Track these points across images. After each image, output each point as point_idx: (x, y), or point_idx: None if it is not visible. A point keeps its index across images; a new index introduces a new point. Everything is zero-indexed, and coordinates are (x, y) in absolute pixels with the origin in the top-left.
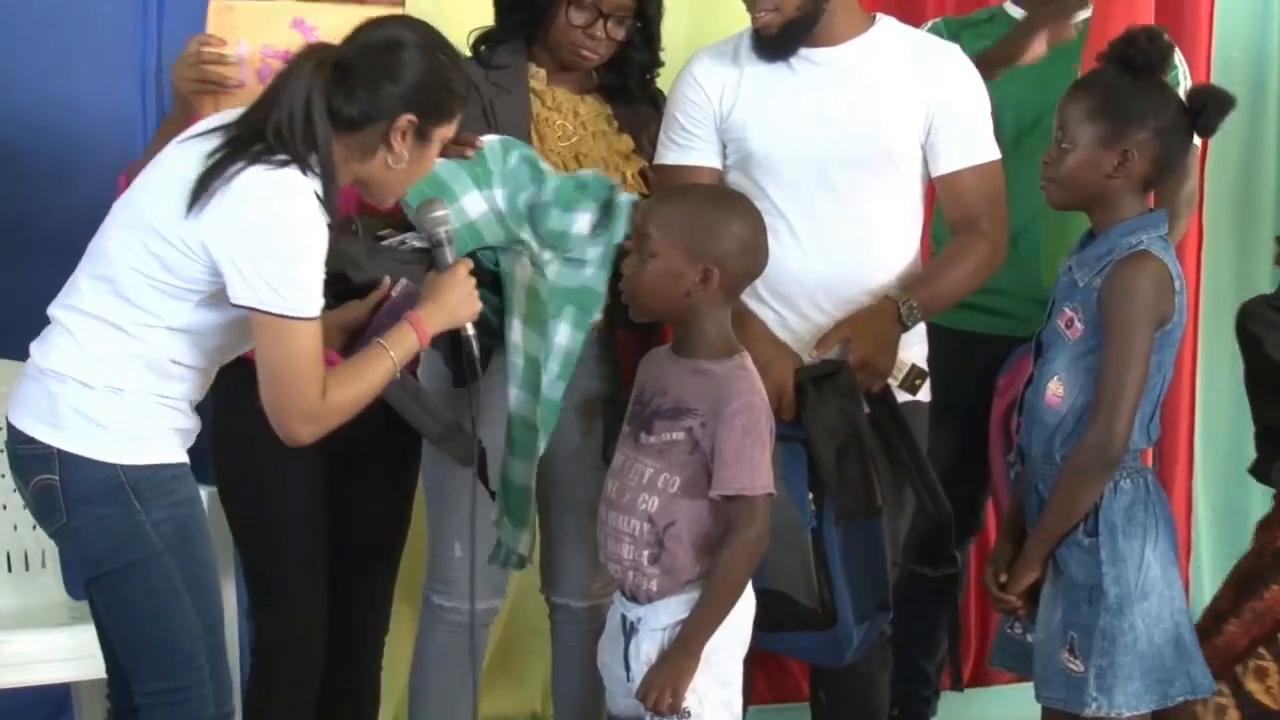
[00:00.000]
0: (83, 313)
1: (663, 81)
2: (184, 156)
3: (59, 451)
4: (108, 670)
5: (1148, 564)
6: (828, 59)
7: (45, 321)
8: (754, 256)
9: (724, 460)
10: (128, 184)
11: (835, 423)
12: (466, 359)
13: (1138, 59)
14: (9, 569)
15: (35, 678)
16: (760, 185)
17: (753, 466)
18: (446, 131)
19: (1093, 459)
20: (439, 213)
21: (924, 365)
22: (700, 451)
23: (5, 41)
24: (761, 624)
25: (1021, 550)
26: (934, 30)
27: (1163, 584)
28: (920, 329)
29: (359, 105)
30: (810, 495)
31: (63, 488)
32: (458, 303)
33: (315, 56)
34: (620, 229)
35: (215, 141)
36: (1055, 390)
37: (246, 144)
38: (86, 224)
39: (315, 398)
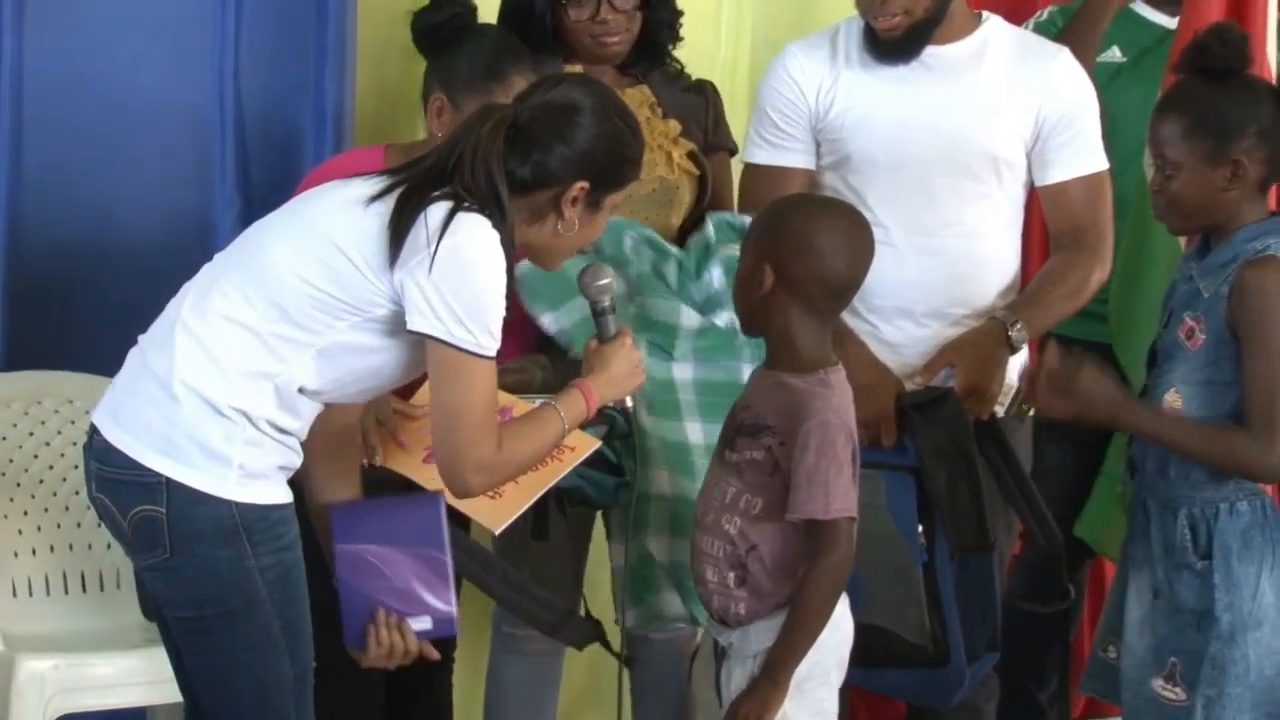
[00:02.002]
0: (227, 319)
1: (698, 69)
2: (358, 185)
3: (169, 481)
4: (184, 698)
5: (1263, 591)
6: (935, 59)
7: (126, 335)
8: (816, 259)
9: (796, 483)
10: None
11: (947, 451)
12: (629, 423)
13: (1216, 65)
14: (84, 589)
15: (112, 701)
16: (856, 190)
17: (826, 490)
18: (617, 199)
19: (1259, 475)
20: (603, 280)
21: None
22: (780, 472)
23: (74, 41)
24: (860, 659)
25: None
26: (1048, 21)
27: (1275, 613)
28: (1024, 350)
29: (532, 168)
30: (920, 528)
31: (169, 522)
32: (625, 374)
33: (492, 117)
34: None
35: (394, 178)
36: (1173, 402)
37: (430, 187)
38: (169, 233)
39: (493, 447)
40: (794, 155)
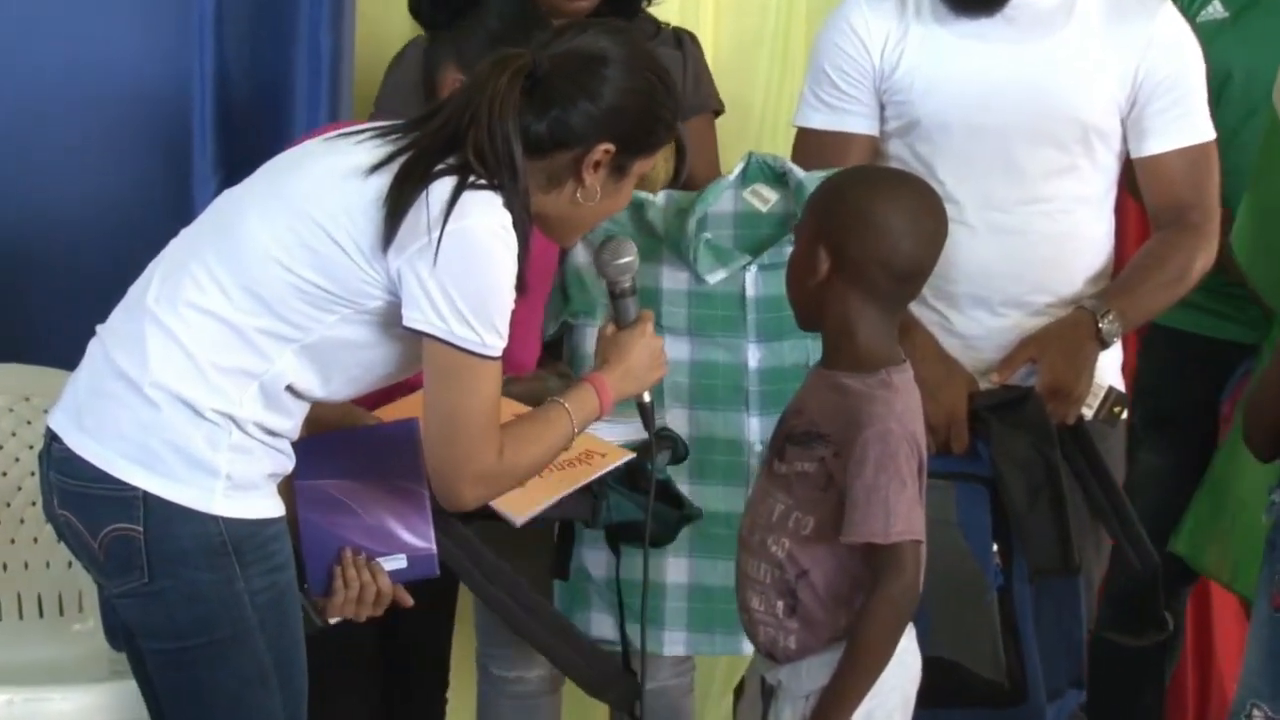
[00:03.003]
0: (201, 311)
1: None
2: (349, 150)
3: (147, 495)
4: None
5: None
6: (1019, 11)
7: (90, 324)
8: (880, 239)
9: (853, 500)
10: None
11: (1026, 460)
12: (647, 426)
13: None
14: (41, 614)
15: None
16: (925, 160)
17: (886, 509)
18: (645, 166)
19: None
20: (625, 259)
21: (1122, 386)
22: (835, 487)
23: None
24: (929, 698)
25: None
26: None
27: None
28: (1117, 343)
29: (550, 125)
30: (995, 547)
31: (148, 542)
32: (645, 366)
33: (509, 66)
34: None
35: (397, 143)
36: None
37: (439, 155)
38: (138, 209)
39: (493, 455)
40: (855, 119)
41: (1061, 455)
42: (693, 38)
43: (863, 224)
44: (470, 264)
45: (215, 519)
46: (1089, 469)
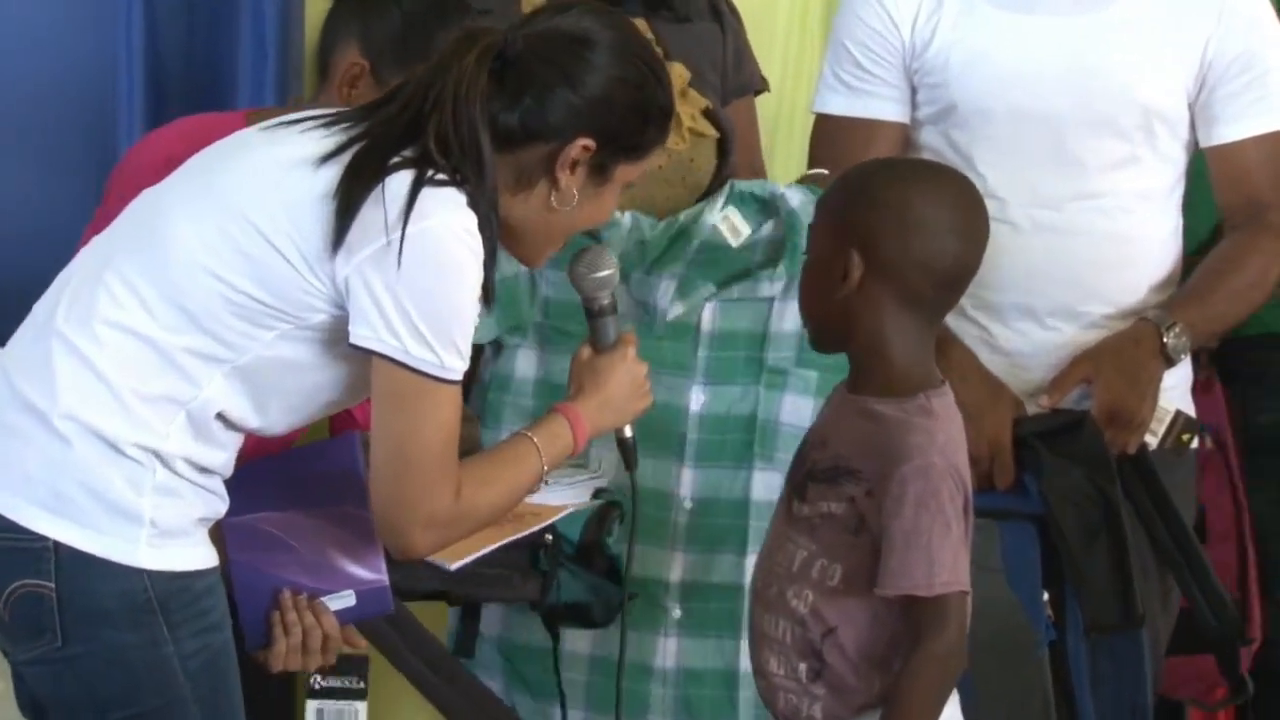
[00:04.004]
0: (118, 329)
1: None
2: (291, 139)
3: (58, 547)
4: None
5: None
6: None
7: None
8: (921, 238)
9: (890, 546)
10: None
11: (1081, 496)
12: (629, 466)
13: None
14: None
15: None
16: (963, 150)
17: (929, 556)
18: (632, 172)
19: None
20: (604, 271)
21: (1191, 409)
22: (868, 531)
23: None
24: None
25: None
26: None
27: None
28: (1185, 361)
29: (522, 115)
30: (1046, 596)
31: (60, 600)
32: (626, 395)
33: (478, 44)
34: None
35: (348, 132)
36: None
37: (395, 145)
38: (54, 206)
39: (449, 495)
40: (882, 104)
41: (1122, 490)
42: (732, 7)
43: (899, 220)
44: (430, 272)
45: (139, 572)
46: (1154, 506)
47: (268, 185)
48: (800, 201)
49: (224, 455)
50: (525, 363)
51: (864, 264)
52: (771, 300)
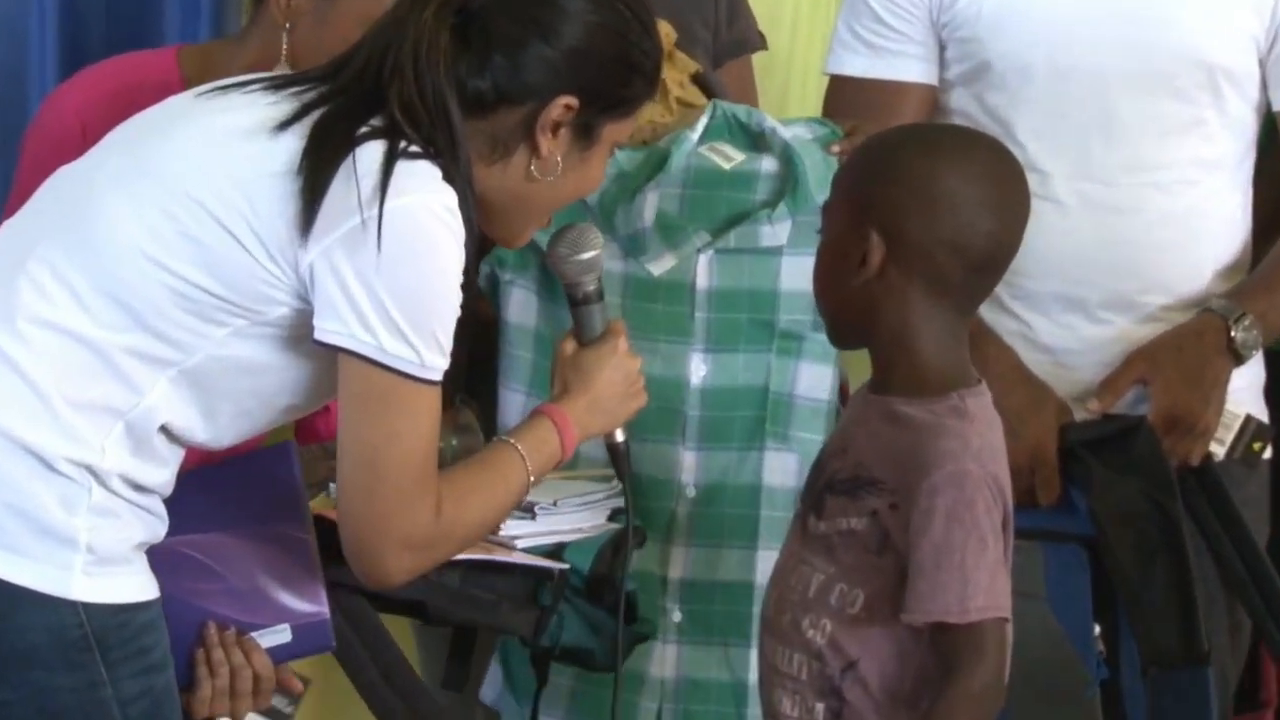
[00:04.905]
0: (48, 327)
1: None
2: (237, 106)
3: None
4: None
5: None
6: None
7: None
8: (952, 216)
9: (918, 566)
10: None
11: (1137, 513)
12: (620, 475)
13: None
14: None
15: None
16: (1000, 115)
17: (963, 577)
18: (619, 132)
19: None
20: (589, 252)
21: (1264, 414)
22: (893, 550)
23: None
24: None
25: None
26: None
27: None
28: (1256, 359)
29: (493, 75)
30: (1098, 629)
31: None
32: (618, 395)
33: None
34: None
35: (301, 98)
36: None
37: (360, 113)
38: None
39: (428, 512)
40: (906, 63)
41: (1184, 507)
42: None
43: (925, 195)
44: (408, 256)
45: (73, 605)
46: (1220, 524)
47: (214, 159)
48: (794, 134)
49: (164, 474)
50: (521, 307)
51: (885, 246)
52: (777, 252)
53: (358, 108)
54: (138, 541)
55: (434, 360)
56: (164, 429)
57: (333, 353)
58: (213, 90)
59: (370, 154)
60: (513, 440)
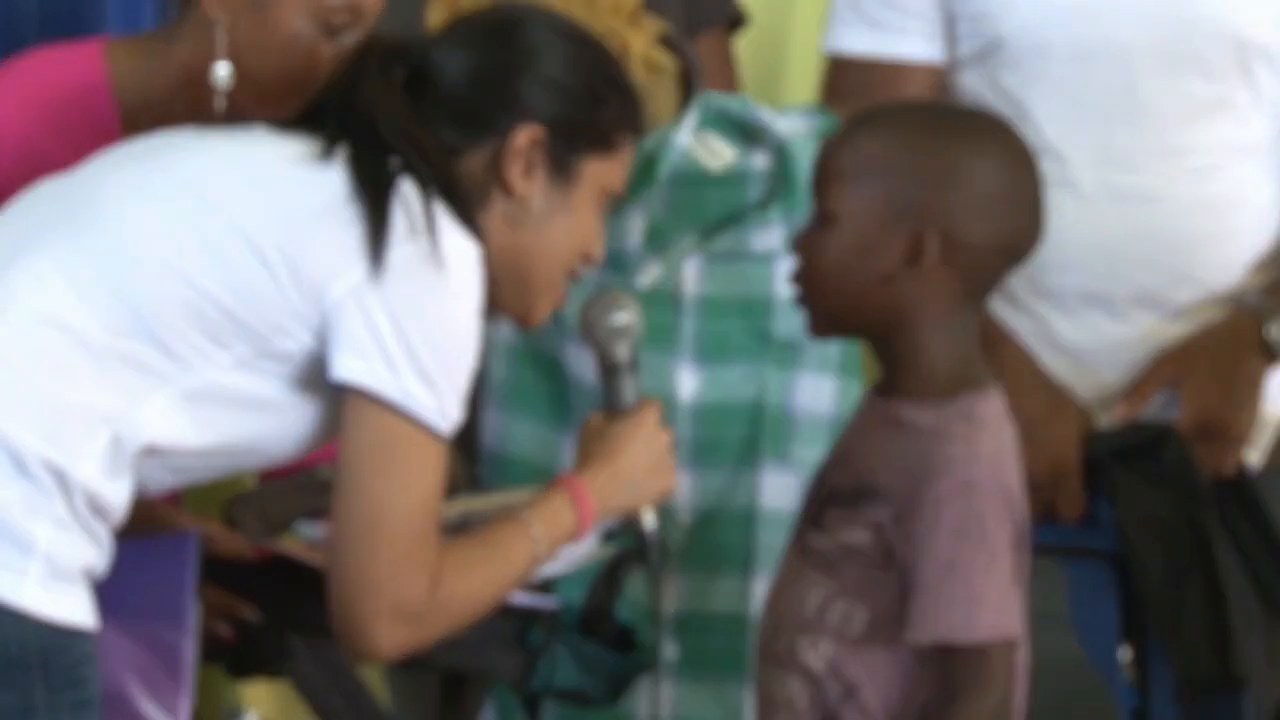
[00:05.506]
0: (43, 319)
1: None
2: (255, 137)
3: None
4: None
5: None
6: None
7: None
8: (1012, 219)
9: (922, 582)
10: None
11: (1167, 527)
12: (650, 562)
13: None
14: None
15: None
16: (1014, 96)
17: (970, 594)
18: (607, 172)
19: None
20: (621, 320)
21: None
22: (898, 566)
23: None
24: None
25: None
26: None
27: None
28: None
29: (451, 118)
30: (1126, 652)
31: None
32: (645, 469)
33: (373, 56)
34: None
35: (316, 135)
36: None
37: (377, 151)
38: None
39: (424, 580)
40: (912, 40)
41: (1218, 520)
42: None
43: (981, 195)
44: (440, 298)
45: (23, 616)
46: (1257, 539)
47: (251, 183)
48: (791, 129)
49: (121, 497)
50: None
51: (909, 240)
52: (770, 256)
53: (373, 146)
54: (84, 566)
55: (452, 410)
56: (146, 448)
57: (341, 395)
58: (202, 132)
59: (408, 191)
60: (525, 516)
